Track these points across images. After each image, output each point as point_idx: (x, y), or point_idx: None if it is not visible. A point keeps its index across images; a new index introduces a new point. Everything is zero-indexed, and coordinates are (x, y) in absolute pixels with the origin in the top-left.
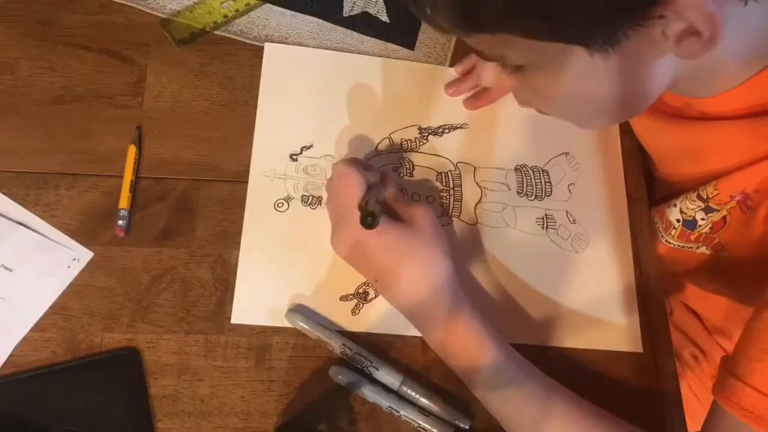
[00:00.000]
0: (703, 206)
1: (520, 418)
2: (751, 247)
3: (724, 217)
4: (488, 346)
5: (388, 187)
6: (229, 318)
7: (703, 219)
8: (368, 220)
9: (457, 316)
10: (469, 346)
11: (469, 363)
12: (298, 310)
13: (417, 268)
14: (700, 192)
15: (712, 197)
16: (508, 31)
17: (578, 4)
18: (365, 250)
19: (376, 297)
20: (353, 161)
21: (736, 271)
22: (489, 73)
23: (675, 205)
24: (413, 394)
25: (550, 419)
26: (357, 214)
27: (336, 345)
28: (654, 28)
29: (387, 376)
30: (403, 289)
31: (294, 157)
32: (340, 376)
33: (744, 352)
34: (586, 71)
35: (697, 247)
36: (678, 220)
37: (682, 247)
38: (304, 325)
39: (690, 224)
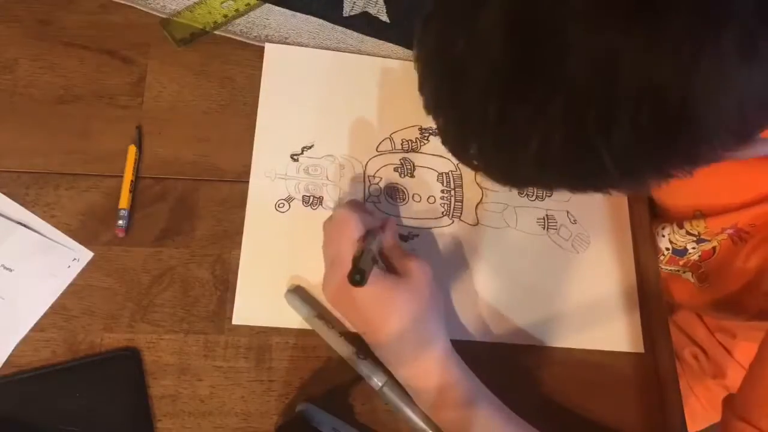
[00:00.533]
0: (697, 238)
1: None
2: (733, 277)
3: (714, 248)
4: (480, 411)
5: (387, 235)
6: (229, 318)
7: (693, 248)
8: (356, 278)
9: (449, 386)
10: (462, 416)
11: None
12: (298, 291)
13: (407, 327)
14: (689, 229)
15: (703, 233)
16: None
17: (637, 187)
18: (354, 300)
19: None
20: (354, 205)
21: (715, 302)
22: None
23: (664, 236)
24: (394, 398)
25: None
26: (350, 262)
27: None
28: None
29: (372, 374)
30: (392, 350)
31: (295, 157)
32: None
33: (750, 394)
34: None
35: (684, 272)
36: (668, 249)
37: (671, 271)
38: (301, 307)
39: (680, 252)
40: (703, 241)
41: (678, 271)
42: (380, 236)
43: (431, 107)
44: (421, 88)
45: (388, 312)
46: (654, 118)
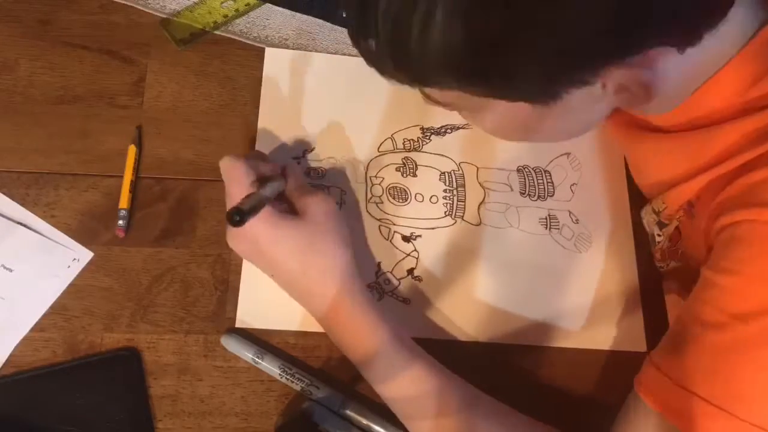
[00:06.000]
0: (657, 220)
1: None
2: (700, 252)
3: (677, 227)
4: (382, 338)
5: (290, 179)
6: (229, 318)
7: (659, 235)
8: (235, 218)
9: (356, 311)
10: (363, 339)
11: (366, 357)
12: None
13: (312, 261)
14: (653, 206)
15: (662, 211)
16: (454, 89)
17: (516, 75)
18: (259, 245)
19: (381, 298)
20: (246, 155)
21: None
22: None
23: (642, 218)
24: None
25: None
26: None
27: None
28: (594, 86)
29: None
30: (300, 284)
31: (296, 160)
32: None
33: (666, 344)
34: (528, 116)
35: (668, 264)
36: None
37: (663, 266)
38: (241, 349)
39: (651, 240)
40: (664, 225)
41: (662, 267)
42: (279, 182)
43: None
44: None
45: (294, 252)
46: None
